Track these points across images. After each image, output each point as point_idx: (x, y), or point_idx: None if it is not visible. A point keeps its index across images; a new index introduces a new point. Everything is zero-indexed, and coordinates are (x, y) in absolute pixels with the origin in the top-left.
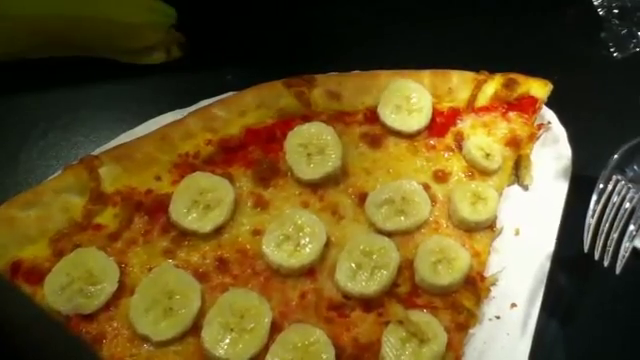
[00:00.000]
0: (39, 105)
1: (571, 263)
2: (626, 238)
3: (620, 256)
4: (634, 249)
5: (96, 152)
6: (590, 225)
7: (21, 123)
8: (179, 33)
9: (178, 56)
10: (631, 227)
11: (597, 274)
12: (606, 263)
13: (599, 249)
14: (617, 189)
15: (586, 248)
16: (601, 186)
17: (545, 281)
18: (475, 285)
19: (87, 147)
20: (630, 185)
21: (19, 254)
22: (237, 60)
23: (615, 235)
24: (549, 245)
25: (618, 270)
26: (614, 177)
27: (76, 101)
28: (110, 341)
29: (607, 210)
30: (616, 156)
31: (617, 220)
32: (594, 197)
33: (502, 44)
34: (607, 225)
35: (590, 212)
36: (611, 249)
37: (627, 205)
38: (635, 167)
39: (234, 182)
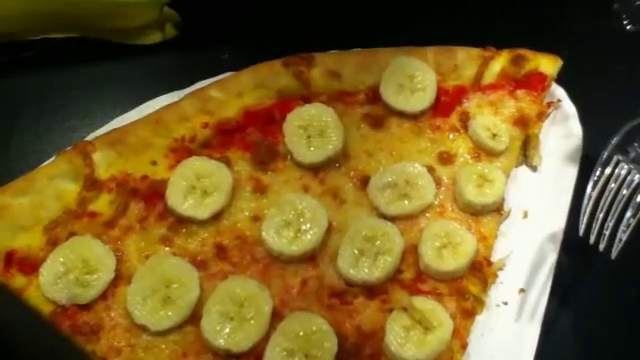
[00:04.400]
0: (32, 89)
1: (581, 246)
2: (623, 224)
3: (616, 242)
4: None
5: (90, 137)
6: (585, 212)
7: (13, 107)
8: (173, 11)
9: (173, 35)
10: (628, 214)
11: (607, 258)
12: (601, 247)
13: (595, 234)
14: (616, 172)
15: (581, 232)
16: (598, 172)
17: (554, 265)
18: (481, 270)
19: (81, 131)
20: (632, 166)
21: (12, 243)
22: (234, 39)
23: (611, 223)
24: (558, 228)
25: (614, 255)
26: (615, 157)
27: (70, 84)
28: (108, 331)
29: (604, 196)
30: (615, 138)
31: (614, 207)
32: (590, 183)
33: (509, 17)
34: (602, 213)
35: (586, 199)
36: (607, 234)
37: (624, 192)
38: (637, 146)
39: (232, 166)
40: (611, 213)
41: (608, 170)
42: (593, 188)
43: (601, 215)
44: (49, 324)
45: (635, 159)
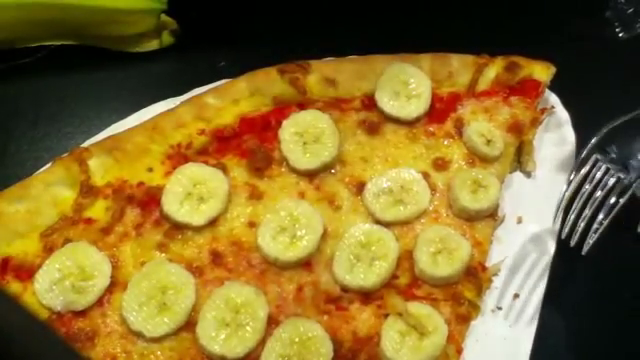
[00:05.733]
0: (29, 95)
1: (574, 251)
2: (596, 222)
3: (587, 241)
4: (636, 234)
5: (87, 143)
6: (560, 208)
7: (10, 114)
8: (171, 19)
9: (170, 43)
10: (601, 216)
11: (601, 262)
12: (572, 244)
13: (567, 230)
14: (593, 172)
15: (555, 228)
16: (574, 171)
17: (548, 270)
18: (476, 276)
19: (78, 138)
20: (610, 166)
21: (8, 250)
22: (230, 46)
23: (583, 223)
24: (552, 233)
25: (584, 251)
26: (594, 157)
27: (66, 91)
28: (103, 338)
29: (578, 196)
30: (595, 139)
31: (587, 207)
32: (567, 182)
33: (503, 25)
34: (575, 214)
35: (560, 194)
36: (579, 232)
37: (598, 194)
38: (615, 148)
39: (228, 173)
40: (584, 213)
41: (584, 170)
42: (568, 187)
43: (572, 216)
44: (47, 328)
45: (614, 160)
